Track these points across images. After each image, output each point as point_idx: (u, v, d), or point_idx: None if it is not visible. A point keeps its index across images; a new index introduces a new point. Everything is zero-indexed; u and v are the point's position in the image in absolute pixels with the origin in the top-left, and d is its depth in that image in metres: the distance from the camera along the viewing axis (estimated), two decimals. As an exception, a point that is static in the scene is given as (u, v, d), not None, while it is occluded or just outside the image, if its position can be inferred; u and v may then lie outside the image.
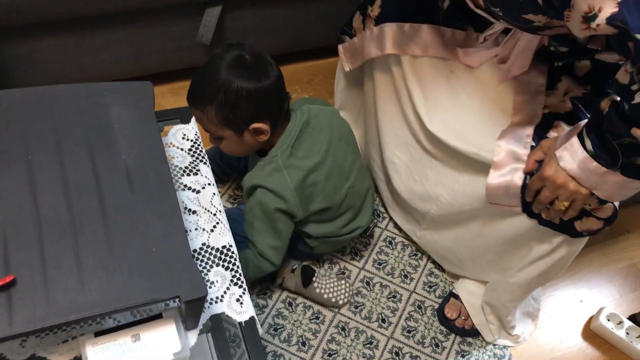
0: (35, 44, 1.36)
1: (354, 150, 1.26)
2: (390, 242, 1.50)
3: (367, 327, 1.36)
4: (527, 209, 1.06)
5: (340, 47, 1.33)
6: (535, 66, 1.09)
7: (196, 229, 0.81)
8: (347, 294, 1.36)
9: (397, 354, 1.34)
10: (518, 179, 1.03)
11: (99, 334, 0.68)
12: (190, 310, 0.68)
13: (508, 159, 1.03)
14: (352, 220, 1.29)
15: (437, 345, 1.37)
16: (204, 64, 1.08)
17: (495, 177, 1.05)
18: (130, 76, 1.56)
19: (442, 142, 1.14)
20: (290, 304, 1.34)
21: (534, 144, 1.03)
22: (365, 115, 1.45)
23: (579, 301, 1.53)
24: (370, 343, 1.34)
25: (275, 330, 1.29)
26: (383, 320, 1.38)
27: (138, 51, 1.49)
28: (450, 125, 1.13)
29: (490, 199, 1.09)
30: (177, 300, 0.64)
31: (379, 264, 1.46)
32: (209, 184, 0.86)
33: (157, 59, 1.54)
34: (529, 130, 1.04)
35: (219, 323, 0.89)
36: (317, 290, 1.33)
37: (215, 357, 0.92)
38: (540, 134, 1.04)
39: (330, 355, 1.30)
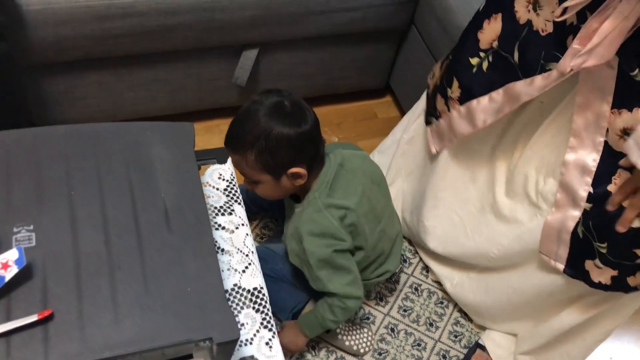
0: (76, 81, 1.41)
1: (386, 194, 1.26)
2: (416, 289, 1.48)
3: (391, 375, 1.34)
4: (571, 265, 1.05)
5: (427, 128, 1.28)
6: (611, 66, 0.88)
7: (228, 269, 0.82)
8: (369, 343, 1.34)
9: (421, 404, 1.31)
10: (572, 222, 1.01)
11: (129, 373, 0.67)
12: (222, 352, 0.67)
13: (567, 201, 1.02)
14: (381, 265, 1.28)
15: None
16: (243, 110, 1.10)
17: (553, 215, 1.04)
18: (165, 113, 1.59)
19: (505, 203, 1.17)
20: (313, 348, 1.33)
21: (591, 190, 0.97)
22: (421, 171, 1.41)
23: (608, 358, 1.48)
24: (394, 392, 1.31)
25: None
26: (407, 369, 1.36)
27: (175, 90, 1.53)
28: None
29: (542, 244, 1.07)
30: (209, 341, 0.64)
31: (404, 310, 1.44)
32: (243, 225, 0.86)
33: (193, 98, 1.57)
34: (591, 164, 0.97)
35: None
36: (339, 336, 1.31)
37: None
38: (604, 173, 0.95)
39: (352, 402, 1.27)
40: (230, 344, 0.65)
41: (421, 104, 1.34)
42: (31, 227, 0.68)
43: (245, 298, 0.80)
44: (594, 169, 0.95)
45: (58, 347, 0.60)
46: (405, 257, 1.52)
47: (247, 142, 1.06)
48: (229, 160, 0.93)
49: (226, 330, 0.64)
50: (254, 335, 0.77)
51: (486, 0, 1.05)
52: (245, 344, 0.76)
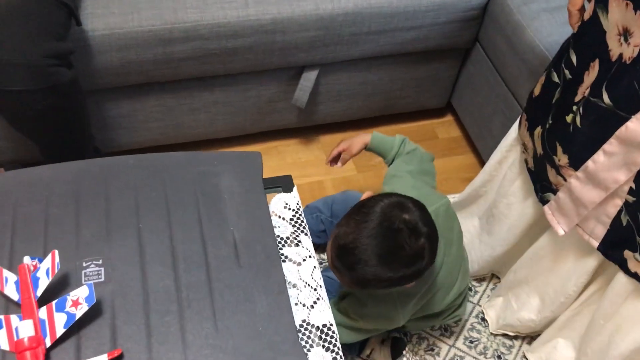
0: (138, 105, 1.42)
1: (461, 254, 1.19)
2: (483, 319, 1.41)
3: (458, 409, 1.27)
4: (607, 245, 0.97)
5: (546, 208, 1.07)
6: None
7: (296, 304, 0.78)
8: None
9: None
10: (612, 208, 0.93)
11: (198, 414, 0.65)
12: (294, 396, 0.64)
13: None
14: (452, 313, 1.22)
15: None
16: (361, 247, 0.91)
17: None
18: (224, 136, 1.59)
19: None
20: None
21: (633, 186, 0.88)
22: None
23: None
24: None
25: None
26: (475, 404, 1.29)
27: (234, 112, 1.52)
28: None
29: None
30: (282, 386, 0.61)
31: (471, 341, 1.37)
32: (310, 257, 0.83)
33: (252, 120, 1.56)
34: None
35: None
36: None
37: None
38: None
39: None
40: (304, 388, 0.61)
41: (499, 152, 1.23)
42: (100, 262, 0.67)
43: (315, 335, 0.76)
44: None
45: (128, 389, 0.58)
46: (470, 286, 1.45)
47: (370, 284, 0.93)
48: (295, 189, 0.90)
49: (299, 375, 0.61)
50: (325, 375, 0.73)
51: (575, 48, 0.93)
52: (316, 385, 0.72)
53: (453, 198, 1.45)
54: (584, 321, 1.16)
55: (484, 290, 1.45)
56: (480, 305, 1.42)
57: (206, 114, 1.50)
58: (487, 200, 1.30)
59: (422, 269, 0.91)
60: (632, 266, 0.96)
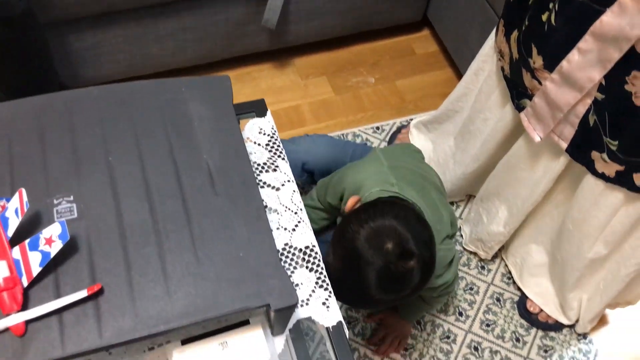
0: (102, 36, 1.36)
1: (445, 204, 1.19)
2: (498, 299, 1.36)
3: None
4: (575, 146, 0.98)
5: (522, 115, 1.06)
6: None
7: (277, 229, 0.78)
8: None
9: None
10: (582, 107, 0.92)
11: (185, 341, 0.65)
12: (279, 317, 0.65)
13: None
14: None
15: (517, 340, 1.31)
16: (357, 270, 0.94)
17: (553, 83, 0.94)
18: (194, 64, 1.54)
19: None
20: None
21: (603, 82, 0.87)
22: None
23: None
24: None
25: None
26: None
27: (203, 38, 1.46)
28: None
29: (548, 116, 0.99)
30: (266, 308, 0.61)
31: (487, 325, 1.33)
32: (289, 181, 0.82)
33: (222, 45, 1.51)
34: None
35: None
36: None
37: (294, 351, 0.89)
38: None
39: None
40: (289, 309, 0.61)
41: (475, 65, 1.22)
42: (71, 198, 0.65)
43: (298, 257, 0.76)
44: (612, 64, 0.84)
45: (111, 322, 0.57)
46: (483, 264, 1.41)
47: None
48: (269, 113, 0.88)
49: (284, 296, 0.61)
50: (310, 295, 0.74)
51: None
52: (302, 305, 0.73)
53: (429, 114, 1.44)
54: (554, 225, 1.18)
55: (497, 268, 1.42)
56: (495, 285, 1.40)
57: (174, 42, 1.45)
58: (463, 117, 1.29)
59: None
60: (600, 167, 0.97)
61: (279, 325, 0.67)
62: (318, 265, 0.76)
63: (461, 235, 1.43)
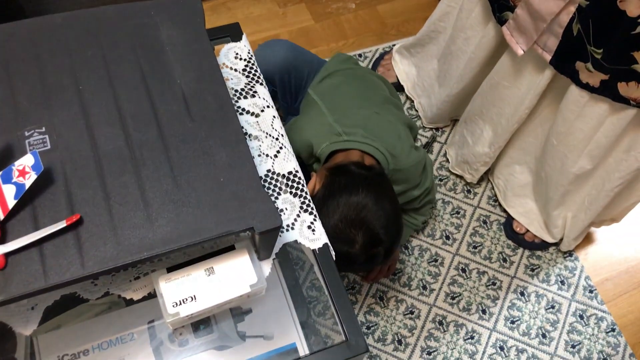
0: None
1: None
2: (484, 222, 1.37)
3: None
4: (559, 58, 0.96)
5: (504, 28, 1.03)
6: None
7: (259, 155, 0.76)
8: None
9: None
10: (565, 16, 0.91)
11: (171, 269, 0.65)
12: (265, 240, 0.64)
13: None
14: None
15: (504, 260, 1.33)
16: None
17: None
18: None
19: None
20: (381, 299, 1.28)
21: None
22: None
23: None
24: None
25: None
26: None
27: (174, -33, 1.40)
28: None
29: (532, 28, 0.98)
30: (250, 231, 0.60)
31: (474, 247, 1.35)
32: (268, 107, 0.80)
33: (195, -26, 1.44)
34: None
35: (283, 247, 0.86)
36: None
37: (284, 281, 0.90)
38: None
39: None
40: (273, 232, 0.61)
41: None
42: (43, 129, 0.63)
43: (281, 183, 0.75)
44: None
45: (93, 251, 0.57)
46: (469, 188, 1.42)
47: None
48: (244, 37, 0.84)
49: (267, 218, 0.60)
50: (295, 219, 0.73)
51: None
52: (287, 230, 0.72)
53: (412, 38, 1.40)
54: (538, 143, 1.18)
55: (483, 192, 1.42)
56: (481, 208, 1.40)
57: (144, -28, 1.38)
58: (446, 37, 1.26)
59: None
60: (584, 77, 0.95)
61: (264, 249, 0.67)
62: (302, 190, 0.75)
63: (447, 160, 1.43)
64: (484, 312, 1.27)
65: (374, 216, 0.97)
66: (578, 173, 1.11)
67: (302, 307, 0.90)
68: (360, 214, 0.96)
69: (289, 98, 1.29)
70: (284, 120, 1.41)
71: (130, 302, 0.73)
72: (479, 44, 1.14)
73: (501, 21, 1.03)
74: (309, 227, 0.73)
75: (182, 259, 0.67)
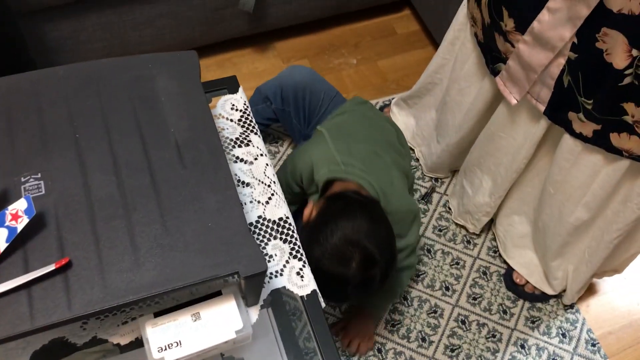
0: (78, 24, 1.35)
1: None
2: (484, 273, 1.37)
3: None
4: (552, 109, 0.98)
5: (498, 79, 1.06)
6: None
7: (251, 202, 0.78)
8: None
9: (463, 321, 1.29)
10: (556, 68, 0.93)
11: (158, 314, 0.66)
12: (251, 285, 0.65)
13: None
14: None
15: (504, 312, 1.32)
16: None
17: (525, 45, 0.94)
18: (174, 51, 1.53)
19: None
20: (379, 351, 1.26)
21: (575, 41, 0.88)
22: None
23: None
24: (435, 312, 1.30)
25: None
26: (447, 288, 1.33)
27: (180, 24, 1.46)
28: None
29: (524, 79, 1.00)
30: (236, 276, 0.61)
31: (474, 298, 1.34)
32: (261, 155, 0.82)
33: (200, 31, 1.50)
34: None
35: (279, 297, 0.87)
36: None
37: (277, 331, 0.89)
38: None
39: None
40: (258, 276, 0.62)
41: (449, 36, 1.23)
42: (39, 175, 0.65)
43: (272, 229, 0.76)
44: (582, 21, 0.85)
45: (80, 294, 0.58)
46: (469, 239, 1.42)
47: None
48: (241, 89, 0.88)
49: (253, 263, 0.61)
50: (284, 266, 0.74)
51: None
52: (276, 276, 0.73)
53: (409, 90, 1.44)
54: (536, 193, 1.19)
55: (483, 242, 1.42)
56: (480, 259, 1.40)
57: (152, 29, 1.44)
58: (442, 89, 1.29)
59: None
60: (577, 127, 0.97)
61: (252, 295, 0.68)
62: (292, 237, 0.76)
63: (448, 210, 1.43)
64: (484, 365, 1.25)
65: (370, 237, 0.99)
66: (576, 224, 1.12)
67: (297, 358, 0.89)
68: (357, 234, 0.98)
69: (302, 119, 1.35)
70: (296, 147, 1.45)
71: (124, 350, 0.73)
72: (475, 95, 1.17)
73: (494, 72, 1.06)
74: (298, 273, 0.73)
75: (169, 304, 0.68)
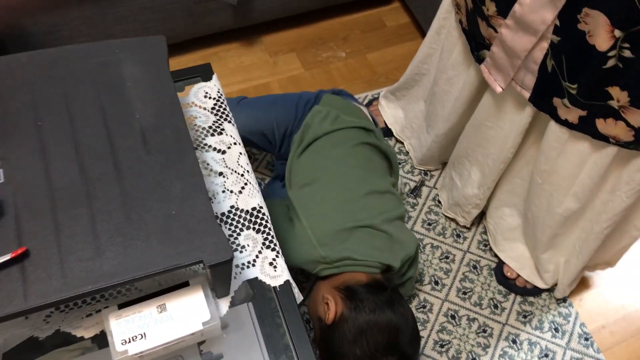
0: (59, 18, 1.33)
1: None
2: (474, 267, 1.35)
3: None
4: (537, 95, 0.96)
5: (483, 67, 1.04)
6: None
7: (224, 192, 0.76)
8: None
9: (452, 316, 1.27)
10: (539, 52, 0.90)
11: (122, 306, 0.63)
12: (218, 275, 0.62)
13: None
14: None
15: (495, 306, 1.29)
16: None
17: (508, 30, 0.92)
18: (159, 45, 1.51)
19: None
20: None
21: (557, 23, 0.86)
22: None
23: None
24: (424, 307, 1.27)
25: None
26: (436, 283, 1.31)
27: (164, 18, 1.44)
28: None
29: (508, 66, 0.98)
30: (201, 265, 0.59)
31: (464, 293, 1.32)
32: (235, 144, 0.80)
33: (185, 24, 1.48)
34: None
35: (261, 291, 0.84)
36: None
37: (258, 325, 0.87)
38: None
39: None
40: (224, 265, 0.59)
41: (435, 25, 1.20)
42: (-2, 163, 0.62)
43: (244, 219, 0.74)
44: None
45: (36, 284, 0.55)
46: (458, 232, 1.40)
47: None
48: (215, 77, 0.85)
49: (218, 252, 0.59)
50: (257, 256, 0.71)
51: None
52: (248, 266, 0.71)
53: (397, 82, 1.41)
54: (525, 184, 1.16)
55: (473, 236, 1.40)
56: (471, 252, 1.38)
57: (136, 23, 1.42)
58: (430, 80, 1.27)
59: None
60: (562, 113, 0.95)
61: (220, 285, 0.65)
62: (265, 227, 0.74)
63: (437, 203, 1.41)
64: (474, 360, 1.22)
65: (404, 335, 1.02)
66: (565, 215, 1.09)
67: (280, 354, 0.87)
68: (395, 341, 1.01)
69: (269, 149, 1.29)
70: (273, 165, 1.41)
71: (103, 346, 0.71)
72: (463, 84, 1.15)
73: (479, 60, 1.04)
74: (271, 263, 0.71)
75: (137, 295, 0.65)
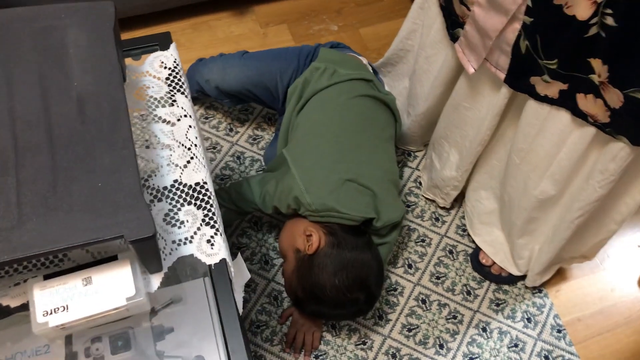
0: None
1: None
2: (450, 252, 1.33)
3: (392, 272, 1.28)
4: (513, 76, 0.93)
5: (457, 46, 1.02)
6: None
7: (168, 165, 0.74)
8: None
9: (423, 301, 1.25)
10: (511, 34, 0.88)
11: (49, 276, 0.63)
12: (142, 251, 0.61)
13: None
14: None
15: (468, 293, 1.27)
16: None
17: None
18: (145, 12, 1.49)
19: None
20: (333, 327, 1.26)
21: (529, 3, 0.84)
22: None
23: (636, 246, 1.37)
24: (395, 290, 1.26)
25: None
26: (410, 266, 1.29)
27: (151, -17, 1.41)
28: None
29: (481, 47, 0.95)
30: (121, 239, 0.57)
31: (437, 277, 1.30)
32: (185, 116, 0.78)
33: (174, -10, 1.45)
34: None
35: (222, 267, 0.82)
36: None
37: (212, 302, 0.86)
38: None
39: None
40: (147, 241, 0.58)
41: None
42: None
43: (187, 194, 0.72)
44: None
45: (-51, 253, 0.54)
46: (437, 216, 1.37)
47: None
48: (173, 46, 0.83)
49: (140, 227, 0.57)
50: (195, 233, 0.70)
51: None
52: (185, 243, 0.69)
53: (383, 57, 1.38)
54: (502, 166, 1.14)
55: (452, 220, 1.38)
56: (448, 237, 1.36)
57: (120, -14, 1.39)
58: (414, 56, 1.23)
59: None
60: (541, 89, 0.92)
61: (148, 261, 0.64)
62: (207, 202, 0.72)
63: (418, 185, 1.39)
64: (441, 346, 1.21)
65: (378, 279, 1.11)
66: (541, 197, 1.06)
67: (235, 331, 0.86)
68: (368, 280, 1.08)
69: (269, 101, 1.30)
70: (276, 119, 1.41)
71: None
72: (441, 63, 1.12)
73: (454, 38, 1.01)
74: (209, 241, 0.70)
75: (69, 266, 0.65)
